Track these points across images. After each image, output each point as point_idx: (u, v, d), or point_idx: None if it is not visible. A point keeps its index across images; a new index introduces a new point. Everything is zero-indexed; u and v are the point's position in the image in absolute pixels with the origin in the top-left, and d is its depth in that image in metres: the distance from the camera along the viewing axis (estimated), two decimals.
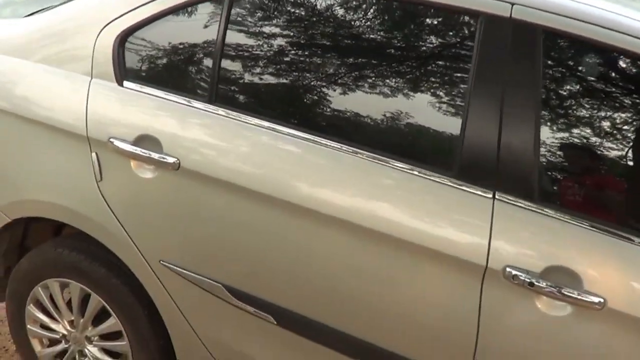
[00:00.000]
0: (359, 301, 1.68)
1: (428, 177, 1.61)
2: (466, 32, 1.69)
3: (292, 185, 1.71)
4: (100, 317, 2.11)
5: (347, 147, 1.68)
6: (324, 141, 1.70)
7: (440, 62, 1.73)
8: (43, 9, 2.21)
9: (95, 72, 1.93)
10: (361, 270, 1.66)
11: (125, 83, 1.91)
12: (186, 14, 1.90)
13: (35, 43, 2.04)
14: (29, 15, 2.19)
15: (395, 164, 1.64)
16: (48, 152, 1.97)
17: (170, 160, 1.80)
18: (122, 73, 1.91)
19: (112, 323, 2.07)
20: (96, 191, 1.91)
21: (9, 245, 2.23)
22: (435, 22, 1.76)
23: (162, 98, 1.86)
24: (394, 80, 1.73)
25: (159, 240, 1.89)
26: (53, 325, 2.20)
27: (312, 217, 1.67)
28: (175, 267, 1.87)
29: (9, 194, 2.05)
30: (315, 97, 1.79)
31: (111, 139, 1.87)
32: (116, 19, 1.93)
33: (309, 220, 1.68)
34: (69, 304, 2.15)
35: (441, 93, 1.69)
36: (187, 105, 1.84)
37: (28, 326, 2.23)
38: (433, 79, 1.72)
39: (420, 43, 1.75)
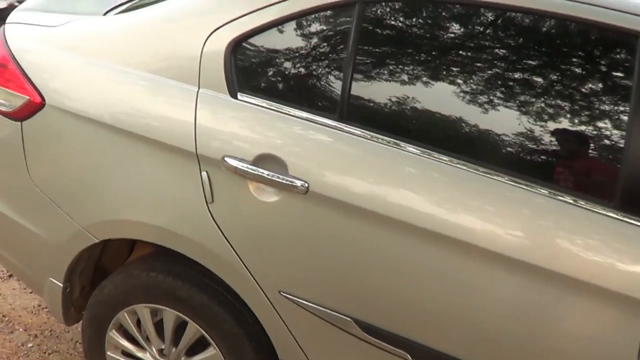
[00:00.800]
0: (519, 345, 1.55)
1: (584, 206, 1.47)
2: (625, 50, 1.55)
3: (432, 212, 1.55)
4: (196, 346, 1.94)
5: (495, 173, 1.54)
6: (468, 166, 1.55)
7: (595, 83, 1.59)
8: (125, 5, 2.00)
9: (203, 81, 1.74)
10: (523, 311, 1.52)
11: (240, 95, 1.72)
12: (311, 21, 1.71)
13: (128, 46, 1.83)
14: (111, 10, 1.97)
15: (540, 190, 1.50)
16: (148, 169, 1.78)
17: (298, 183, 1.63)
18: (236, 84, 1.72)
19: (212, 354, 1.90)
20: (206, 214, 1.73)
21: (86, 264, 2.04)
22: (591, 40, 1.61)
23: (284, 113, 1.68)
24: (548, 102, 1.58)
25: (279, 269, 1.72)
26: (139, 354, 2.02)
27: (459, 247, 1.53)
28: (297, 299, 1.71)
29: (99, 213, 1.86)
30: (464, 117, 1.62)
31: (226, 158, 1.68)
32: (229, 22, 1.73)
33: (456, 251, 1.54)
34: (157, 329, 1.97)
35: (599, 121, 1.55)
36: (313, 121, 1.66)
37: (108, 353, 2.06)
38: (590, 102, 1.57)
39: (574, 62, 1.60)
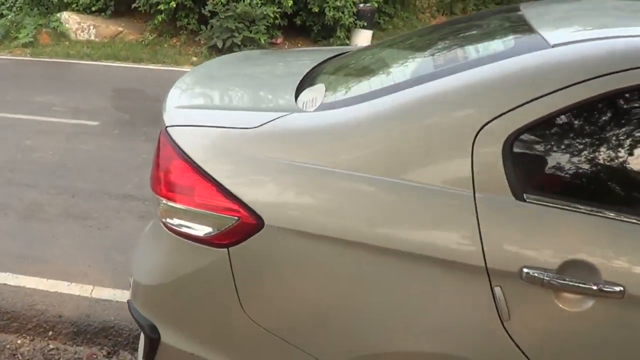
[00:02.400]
0: None
1: None
2: None
3: None
4: None
5: None
6: None
7: None
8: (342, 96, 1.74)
9: (478, 184, 1.53)
10: None
11: (527, 196, 1.53)
12: (606, 105, 1.55)
13: (373, 150, 1.59)
14: (320, 108, 1.71)
15: None
16: (422, 290, 1.55)
17: (616, 289, 1.47)
18: (520, 185, 1.53)
19: None
20: (502, 333, 1.53)
21: None
22: None
23: (585, 213, 1.51)
24: None
25: None
26: None
27: None
28: None
29: (354, 345, 1.60)
30: None
31: (525, 269, 1.49)
32: (504, 113, 1.53)
33: None
34: None
35: None
36: (620, 220, 1.51)
37: None
38: None
39: None
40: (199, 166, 1.65)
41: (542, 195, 1.53)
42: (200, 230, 1.67)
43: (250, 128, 1.68)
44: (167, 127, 1.76)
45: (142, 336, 1.93)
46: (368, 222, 1.56)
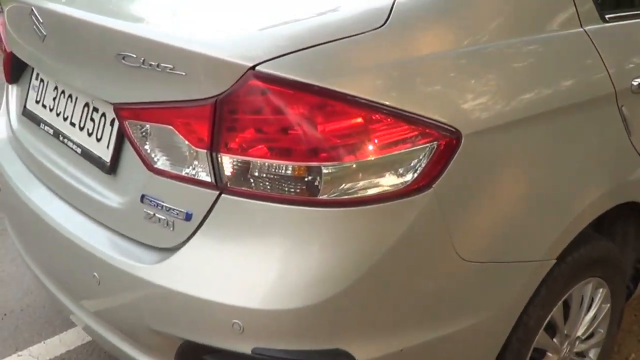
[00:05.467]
0: None
1: None
2: None
3: None
4: None
5: None
6: None
7: None
8: None
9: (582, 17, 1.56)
10: None
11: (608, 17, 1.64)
12: None
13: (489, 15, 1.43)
14: None
15: None
16: (587, 137, 1.55)
17: None
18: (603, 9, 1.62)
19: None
20: (629, 147, 1.65)
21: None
22: None
23: None
24: None
25: None
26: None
27: None
28: None
29: (569, 212, 1.52)
30: None
31: (634, 81, 1.64)
32: None
33: None
34: None
35: None
36: None
37: None
38: None
39: None
40: (356, 99, 1.18)
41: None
42: (387, 181, 1.22)
43: (378, 27, 1.25)
44: (256, 67, 1.17)
45: None
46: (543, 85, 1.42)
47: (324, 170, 1.20)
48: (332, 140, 1.19)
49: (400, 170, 1.24)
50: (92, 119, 1.58)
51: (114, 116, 1.47)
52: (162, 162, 1.36)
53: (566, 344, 1.79)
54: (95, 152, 1.56)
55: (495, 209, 1.40)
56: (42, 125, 1.77)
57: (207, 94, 1.24)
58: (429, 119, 1.25)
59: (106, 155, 1.52)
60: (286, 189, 1.23)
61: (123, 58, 1.34)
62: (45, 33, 1.59)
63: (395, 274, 1.29)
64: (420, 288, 1.34)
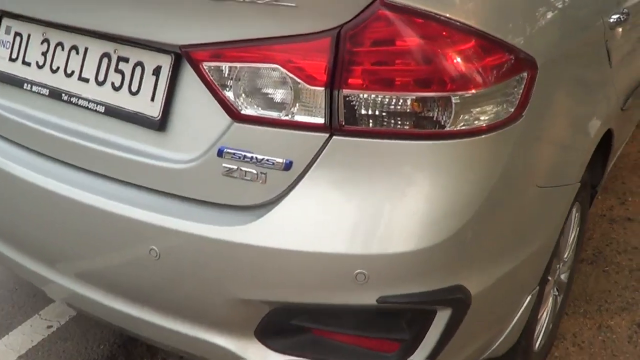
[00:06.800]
0: None
1: None
2: None
3: None
4: None
5: None
6: None
7: None
8: None
9: None
10: None
11: None
12: None
13: None
14: None
15: None
16: None
17: None
18: None
19: None
20: None
21: None
22: None
23: None
24: None
25: None
26: None
27: None
28: None
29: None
30: None
31: None
32: None
33: None
34: None
35: None
36: None
37: None
38: None
39: None
40: (475, 30, 1.18)
41: None
42: (498, 110, 1.24)
43: None
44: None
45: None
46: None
47: (454, 100, 1.17)
48: (461, 69, 1.16)
49: (507, 99, 1.25)
50: (118, 71, 1.36)
51: (159, 63, 1.28)
52: (252, 108, 1.22)
53: (558, 266, 1.94)
54: (130, 107, 1.35)
55: (557, 135, 1.48)
56: (27, 86, 1.48)
57: (324, 26, 1.13)
58: (521, 49, 1.27)
59: (152, 110, 1.32)
60: (412, 123, 1.18)
61: None
62: None
63: (500, 203, 1.30)
64: (514, 214, 1.38)
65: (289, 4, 1.13)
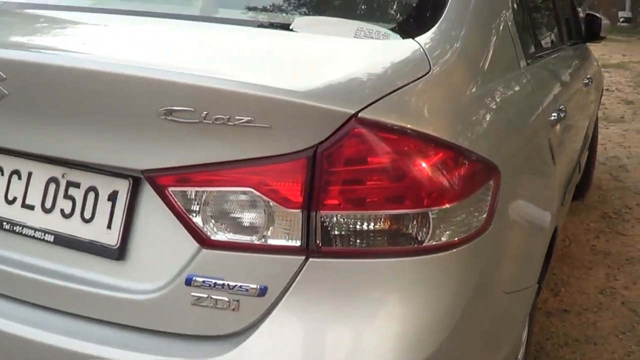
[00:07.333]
0: None
1: None
2: None
3: None
4: None
5: None
6: None
7: None
8: None
9: None
10: None
11: None
12: None
13: None
14: None
15: None
16: None
17: None
18: None
19: None
20: None
21: None
22: None
23: None
24: None
25: None
26: None
27: None
28: None
29: None
30: None
31: None
32: None
33: None
34: None
35: None
36: None
37: None
38: None
39: None
40: (447, 142, 1.20)
41: None
42: (470, 222, 1.24)
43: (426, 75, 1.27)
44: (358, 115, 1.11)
45: None
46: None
47: (431, 216, 1.16)
48: (437, 184, 1.16)
49: (478, 210, 1.26)
50: (68, 197, 1.27)
51: (116, 188, 1.21)
52: (222, 233, 1.15)
53: None
54: (83, 236, 1.25)
55: (519, 239, 1.50)
56: None
57: (299, 146, 1.11)
58: (485, 157, 1.30)
59: (109, 238, 1.23)
60: (392, 240, 1.15)
61: (169, 114, 1.12)
62: (7, 92, 1.24)
63: (474, 315, 1.29)
64: (486, 324, 1.37)
65: (263, 125, 1.10)
